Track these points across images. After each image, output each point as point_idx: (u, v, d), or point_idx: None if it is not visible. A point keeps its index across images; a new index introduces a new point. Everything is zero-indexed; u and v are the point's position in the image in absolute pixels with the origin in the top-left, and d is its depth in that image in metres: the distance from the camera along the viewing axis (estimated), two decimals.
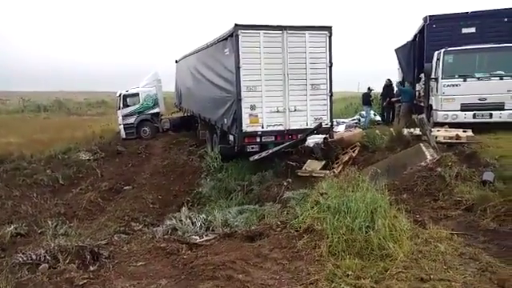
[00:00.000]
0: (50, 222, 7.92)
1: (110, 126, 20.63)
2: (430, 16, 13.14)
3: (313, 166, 10.55)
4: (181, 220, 7.09)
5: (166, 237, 6.15)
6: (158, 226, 7.44)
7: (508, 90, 11.16)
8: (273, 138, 10.62)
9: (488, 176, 6.64)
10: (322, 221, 4.67)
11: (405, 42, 16.20)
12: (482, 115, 11.41)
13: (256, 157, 10.49)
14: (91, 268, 4.29)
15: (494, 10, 12.77)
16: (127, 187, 12.35)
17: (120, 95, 18.36)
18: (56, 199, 11.17)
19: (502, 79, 11.22)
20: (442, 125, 11.37)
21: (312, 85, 10.59)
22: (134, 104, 18.25)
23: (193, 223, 6.94)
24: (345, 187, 5.19)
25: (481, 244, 4.65)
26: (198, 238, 5.95)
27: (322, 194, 5.33)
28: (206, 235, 6.06)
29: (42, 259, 4.31)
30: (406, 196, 6.68)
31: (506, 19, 12.39)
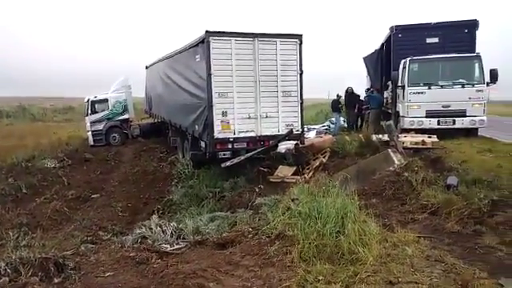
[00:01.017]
0: (11, 233, 7.56)
1: (78, 132, 20.03)
2: (396, 26, 13.59)
3: (284, 171, 10.62)
4: (151, 228, 6.93)
5: (135, 246, 6.00)
6: (128, 234, 7.22)
7: (469, 98, 11.69)
8: (245, 145, 10.62)
9: (452, 180, 6.88)
10: (293, 226, 4.70)
11: (372, 51, 16.66)
12: (446, 122, 11.89)
13: (228, 163, 10.45)
14: (55, 280, 4.11)
15: (456, 21, 13.37)
16: (95, 195, 12.00)
17: (88, 101, 17.86)
18: (18, 209, 10.66)
19: (463, 87, 11.73)
20: (408, 131, 11.76)
21: (283, 92, 10.69)
22: (103, 110, 17.78)
23: (163, 231, 6.81)
24: (315, 193, 5.25)
25: (446, 246, 4.81)
26: (168, 246, 5.85)
27: (293, 200, 5.37)
28: (177, 243, 5.96)
29: (2, 272, 4.09)
30: (375, 200, 6.83)
31: (466, 30, 12.99)
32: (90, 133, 17.47)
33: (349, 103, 16.50)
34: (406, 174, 7.35)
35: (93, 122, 17.49)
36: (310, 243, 4.30)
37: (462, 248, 4.77)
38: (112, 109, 17.81)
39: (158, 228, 6.93)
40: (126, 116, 18.11)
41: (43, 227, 8.95)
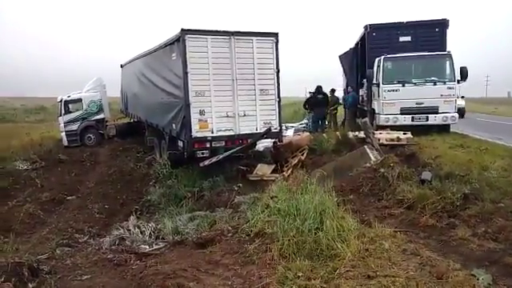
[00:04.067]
0: None
1: (51, 133, 19.42)
2: (370, 25, 13.81)
3: (263, 169, 10.66)
4: (129, 229, 6.85)
5: (113, 247, 5.92)
6: (105, 236, 7.10)
7: (441, 95, 12.03)
8: (223, 143, 10.56)
9: (426, 175, 7.09)
10: (272, 224, 4.74)
11: (347, 49, 16.87)
12: (420, 118, 12.20)
13: (206, 162, 10.37)
14: (30, 285, 4.01)
15: (427, 20, 13.70)
16: (70, 197, 11.65)
17: (61, 101, 17.34)
18: None
19: (435, 84, 12.06)
20: (384, 128, 11.99)
21: (261, 90, 10.68)
22: (77, 110, 17.31)
23: (141, 232, 6.74)
24: (294, 190, 5.30)
25: (421, 240, 4.95)
26: (147, 247, 5.80)
27: (272, 198, 5.41)
28: (156, 244, 5.91)
29: None
30: (353, 197, 6.95)
31: (437, 29, 13.33)
32: (63, 133, 16.98)
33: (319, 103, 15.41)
34: (382, 170, 7.52)
35: (67, 123, 17.00)
36: (289, 240, 4.35)
37: (437, 241, 4.92)
38: (87, 108, 17.38)
39: (136, 229, 6.85)
40: (101, 116, 17.70)
41: (16, 231, 8.63)
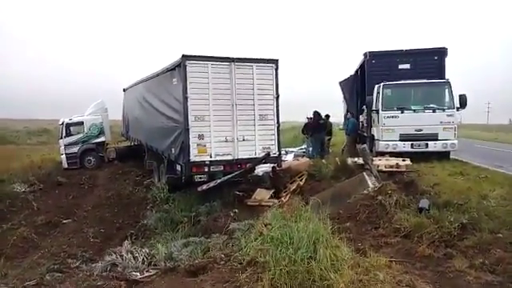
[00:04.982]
0: None
1: (52, 155, 19.48)
2: (369, 52, 14.01)
3: (262, 195, 10.58)
4: (121, 255, 6.74)
5: (104, 274, 5.82)
6: (98, 261, 6.98)
7: (440, 122, 12.05)
8: (221, 168, 10.52)
9: (424, 203, 6.99)
10: (265, 252, 4.64)
11: (348, 76, 17.06)
12: (419, 145, 12.19)
13: (204, 187, 10.32)
14: None
15: (426, 48, 13.90)
16: (66, 221, 11.56)
17: (63, 123, 17.50)
18: None
19: (434, 112, 12.11)
20: (383, 154, 11.96)
21: (260, 115, 10.74)
22: (78, 133, 17.43)
23: (134, 258, 6.61)
24: (288, 217, 5.23)
25: (417, 270, 4.83)
26: (138, 274, 5.69)
27: (266, 225, 5.32)
28: (147, 271, 5.80)
29: None
30: (350, 224, 6.85)
31: (436, 57, 13.51)
32: (63, 156, 17.03)
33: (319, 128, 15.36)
34: (379, 197, 7.43)
35: (67, 145, 17.08)
36: (281, 270, 4.24)
37: (433, 272, 4.79)
38: (87, 131, 17.49)
39: (129, 255, 6.73)
40: (101, 139, 17.79)
41: (7, 255, 8.52)
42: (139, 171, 15.54)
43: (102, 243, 9.94)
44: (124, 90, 19.57)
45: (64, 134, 17.34)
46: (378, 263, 4.78)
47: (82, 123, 17.57)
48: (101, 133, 17.75)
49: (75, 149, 17.11)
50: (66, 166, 16.85)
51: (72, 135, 17.36)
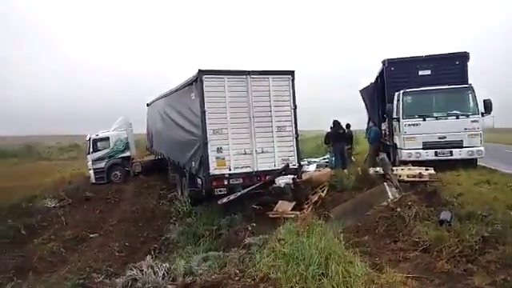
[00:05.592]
0: None
1: (81, 170, 20.17)
2: (388, 59, 13.79)
3: (284, 207, 10.53)
4: (142, 270, 6.87)
5: None
6: (120, 276, 7.14)
7: (465, 129, 11.69)
8: (241, 180, 10.60)
9: (445, 215, 6.77)
10: (277, 269, 4.63)
11: (368, 84, 16.85)
12: (443, 153, 11.84)
13: (224, 200, 10.40)
14: None
15: (447, 53, 13.55)
16: (93, 235, 11.91)
17: (89, 139, 18.15)
18: (16, 250, 10.64)
19: (458, 118, 11.76)
20: (407, 163, 11.69)
21: (278, 127, 10.79)
22: (105, 148, 18.03)
23: (154, 273, 6.73)
24: (301, 232, 5.20)
25: (435, 287, 4.68)
26: None
27: (279, 240, 5.32)
28: (165, 287, 5.89)
29: None
30: (368, 238, 6.71)
31: (457, 62, 13.15)
32: (91, 171, 17.65)
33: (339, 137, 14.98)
34: (398, 209, 7.25)
35: (94, 160, 17.69)
36: (291, 287, 4.23)
37: None
38: (113, 147, 18.04)
39: (150, 269, 6.86)
40: (127, 153, 18.31)
41: (37, 270, 8.86)
42: (163, 185, 15.83)
43: (126, 257, 10.15)
44: (148, 105, 20.08)
45: (91, 150, 17.96)
46: (393, 279, 4.67)
47: (107, 139, 18.14)
48: (126, 147, 18.26)
49: (102, 164, 17.66)
50: (93, 180, 17.43)
51: (99, 150, 17.95)
